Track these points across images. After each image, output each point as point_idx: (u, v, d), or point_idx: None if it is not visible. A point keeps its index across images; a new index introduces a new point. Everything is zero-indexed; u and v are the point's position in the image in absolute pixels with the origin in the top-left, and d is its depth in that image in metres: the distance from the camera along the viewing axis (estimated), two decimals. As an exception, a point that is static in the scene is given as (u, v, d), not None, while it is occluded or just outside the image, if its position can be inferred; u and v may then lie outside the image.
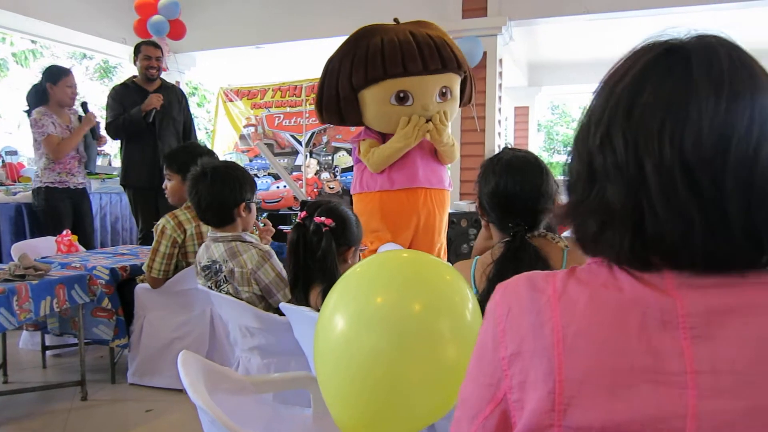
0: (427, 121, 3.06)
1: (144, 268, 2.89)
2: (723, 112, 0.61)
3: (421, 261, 1.24)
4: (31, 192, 4.25)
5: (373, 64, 3.00)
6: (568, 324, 0.65)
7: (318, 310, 1.84)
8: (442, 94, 3.13)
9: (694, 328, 0.61)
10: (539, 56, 8.64)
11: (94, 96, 14.18)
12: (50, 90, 4.07)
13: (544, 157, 18.28)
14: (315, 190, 6.70)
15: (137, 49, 4.48)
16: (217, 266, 2.21)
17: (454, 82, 3.20)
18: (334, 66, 3.13)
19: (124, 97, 4.37)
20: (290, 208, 6.62)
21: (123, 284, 3.02)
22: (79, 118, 4.25)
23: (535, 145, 10.72)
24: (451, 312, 1.16)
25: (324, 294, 1.81)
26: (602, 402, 0.62)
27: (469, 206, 5.73)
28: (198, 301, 2.85)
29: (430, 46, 3.02)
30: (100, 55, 7.78)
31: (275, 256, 2.22)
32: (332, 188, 6.63)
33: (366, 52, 3.02)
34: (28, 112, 4.13)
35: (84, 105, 4.30)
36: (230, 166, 2.36)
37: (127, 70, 7.33)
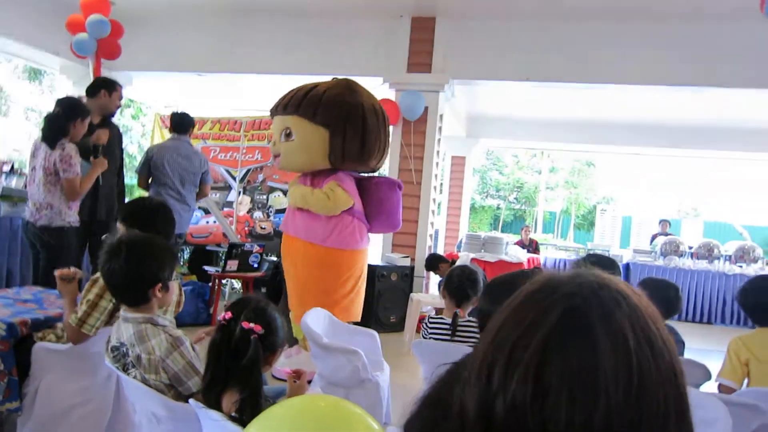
0: None
1: (70, 319, 2.44)
2: (634, 397, 0.60)
3: (344, 412, 1.16)
4: (41, 228, 3.90)
5: None
6: None
7: (230, 417, 1.72)
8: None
9: None
10: (478, 109, 8.83)
11: (21, 96, 13.46)
12: (72, 127, 3.89)
13: (477, 199, 18.76)
14: (246, 228, 6.51)
15: (112, 86, 4.49)
16: (125, 349, 2.05)
17: None
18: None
19: None
20: (218, 245, 6.40)
21: (20, 341, 2.77)
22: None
23: (469, 189, 10.90)
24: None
25: (243, 404, 1.70)
26: None
27: (400, 260, 5.70)
28: (105, 364, 2.64)
29: None
30: (34, 64, 7.52)
31: (187, 343, 2.06)
32: (264, 228, 6.46)
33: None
34: (51, 141, 3.86)
35: (96, 147, 4.12)
36: (148, 241, 2.14)
37: (58, 78, 6.99)
